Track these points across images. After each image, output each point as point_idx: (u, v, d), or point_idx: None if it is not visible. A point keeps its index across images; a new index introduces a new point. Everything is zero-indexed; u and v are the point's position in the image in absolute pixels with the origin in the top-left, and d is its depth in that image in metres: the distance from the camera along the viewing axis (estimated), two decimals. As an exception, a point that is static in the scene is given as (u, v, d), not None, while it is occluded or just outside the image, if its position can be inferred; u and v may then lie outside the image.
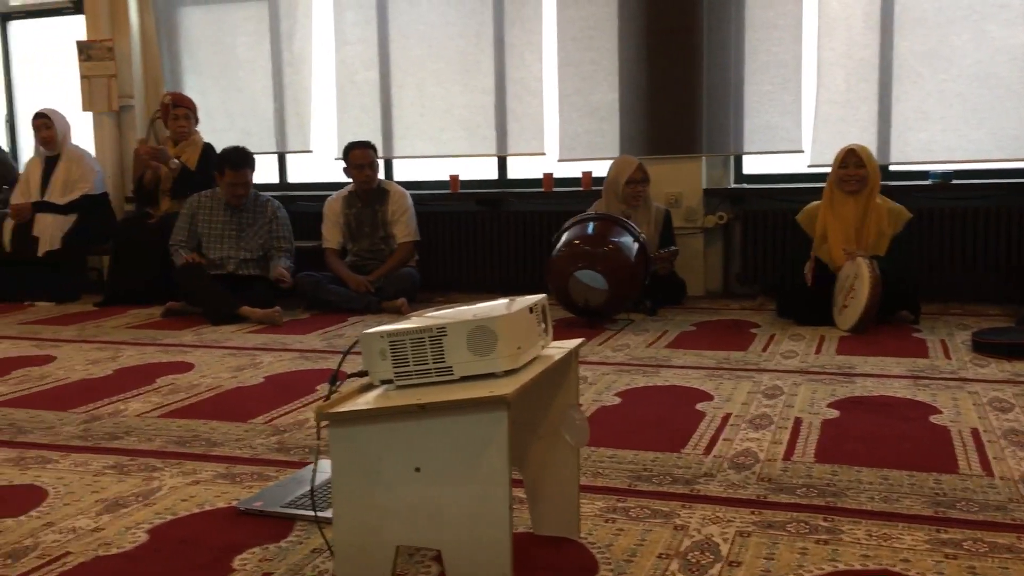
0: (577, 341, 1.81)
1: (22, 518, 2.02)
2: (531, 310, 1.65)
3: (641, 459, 2.34)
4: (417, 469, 1.48)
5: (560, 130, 5.29)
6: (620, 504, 2.03)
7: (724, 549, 1.78)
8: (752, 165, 5.27)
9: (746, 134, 5.02)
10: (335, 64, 5.68)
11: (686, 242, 5.00)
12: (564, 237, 4.35)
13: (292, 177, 6.06)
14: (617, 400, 2.96)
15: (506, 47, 5.36)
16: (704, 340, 3.91)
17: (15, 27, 6.46)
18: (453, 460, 1.46)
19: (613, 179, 4.66)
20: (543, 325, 1.71)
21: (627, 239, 4.26)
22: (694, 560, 1.74)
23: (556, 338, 1.76)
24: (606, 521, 1.93)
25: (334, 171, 5.72)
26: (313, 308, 4.89)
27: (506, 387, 1.46)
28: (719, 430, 2.59)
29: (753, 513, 1.96)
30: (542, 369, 1.59)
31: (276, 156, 5.96)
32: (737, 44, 4.98)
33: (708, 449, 2.42)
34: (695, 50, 4.97)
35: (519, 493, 1.85)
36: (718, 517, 1.94)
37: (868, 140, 4.66)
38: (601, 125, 5.20)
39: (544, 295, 1.74)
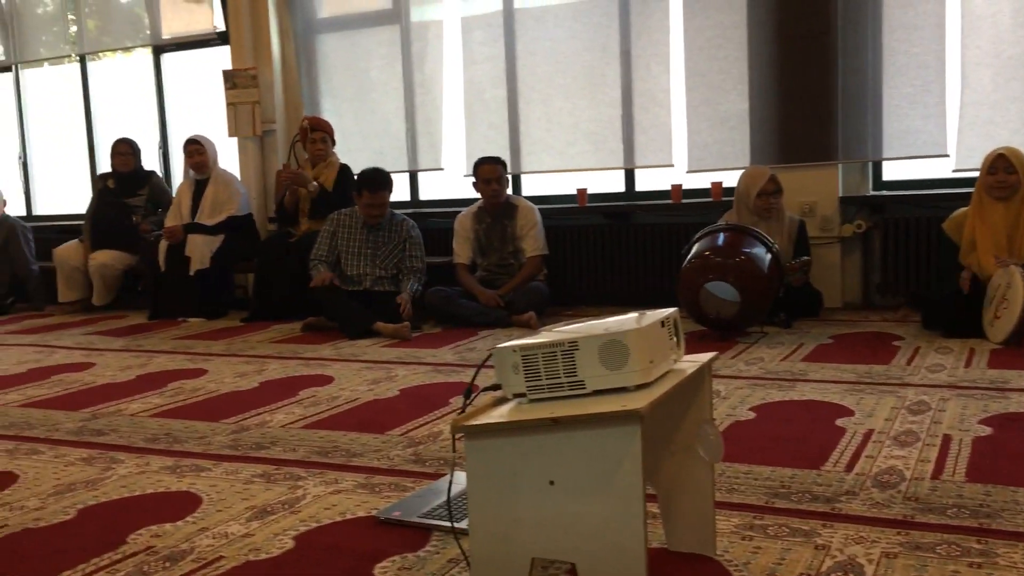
0: (710, 355, 1.79)
1: (179, 523, 2.15)
2: (663, 323, 1.64)
3: (778, 476, 2.29)
4: (551, 482, 1.49)
5: (688, 141, 5.23)
6: (757, 521, 1.99)
7: (869, 570, 1.72)
8: (892, 171, 5.07)
9: (885, 139, 4.83)
10: (463, 83, 5.79)
11: (822, 252, 4.85)
12: (694, 249, 4.30)
13: (424, 194, 6.21)
14: (751, 415, 2.89)
15: (632, 59, 5.34)
16: (843, 353, 3.78)
17: (167, 59, 6.87)
18: (587, 474, 1.47)
19: (743, 191, 4.57)
20: (675, 339, 1.69)
21: (759, 250, 4.17)
22: (836, 581, 1.68)
23: (688, 352, 1.75)
24: (743, 539, 1.90)
25: (464, 188, 5.83)
26: (445, 323, 4.99)
27: (639, 401, 1.45)
28: (861, 447, 2.50)
29: (900, 534, 1.89)
30: (675, 383, 1.58)
31: (408, 174, 6.13)
32: (874, 46, 4.81)
33: (850, 466, 2.34)
34: (829, 54, 4.83)
35: (652, 508, 1.84)
36: (862, 537, 1.88)
37: (1019, 142, 4.41)
38: (731, 135, 5.12)
39: (675, 308, 1.73)
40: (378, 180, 5.00)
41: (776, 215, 4.55)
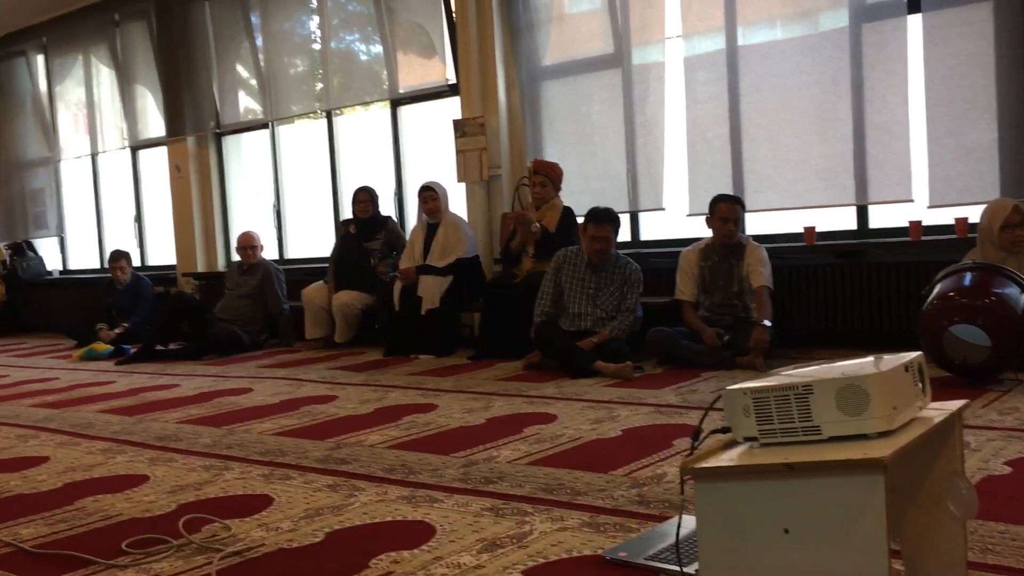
0: (960, 402, 1.67)
1: (416, 551, 2.25)
2: (906, 368, 1.56)
3: (1040, 537, 2.09)
4: (786, 531, 1.44)
5: (930, 174, 4.93)
6: (1016, 586, 1.82)
7: None
8: None
9: None
10: (686, 123, 5.77)
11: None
12: (937, 289, 4.02)
13: (645, 235, 6.22)
14: (1007, 469, 2.66)
15: (865, 91, 5.12)
16: (1115, 405, 3.39)
17: (403, 111, 7.33)
18: (825, 524, 1.41)
19: (987, 224, 4.24)
20: (920, 384, 1.60)
21: (1012, 290, 3.84)
22: (1115, 659, 1.51)
23: (933, 399, 1.64)
24: (1000, 604, 1.74)
25: (686, 227, 5.79)
26: (666, 363, 4.95)
27: (882, 449, 1.38)
28: None
29: None
30: (921, 432, 1.49)
31: (629, 215, 6.16)
32: None
33: None
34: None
35: (897, 565, 1.73)
36: None
37: None
38: (978, 167, 4.78)
39: (919, 352, 1.63)
40: (604, 214, 5.09)
41: (1026, 249, 4.18)
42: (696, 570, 1.56)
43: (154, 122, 8.90)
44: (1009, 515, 2.24)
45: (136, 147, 9.27)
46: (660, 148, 5.91)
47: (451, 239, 6.20)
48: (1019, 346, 3.82)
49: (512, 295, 5.59)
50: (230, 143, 8.64)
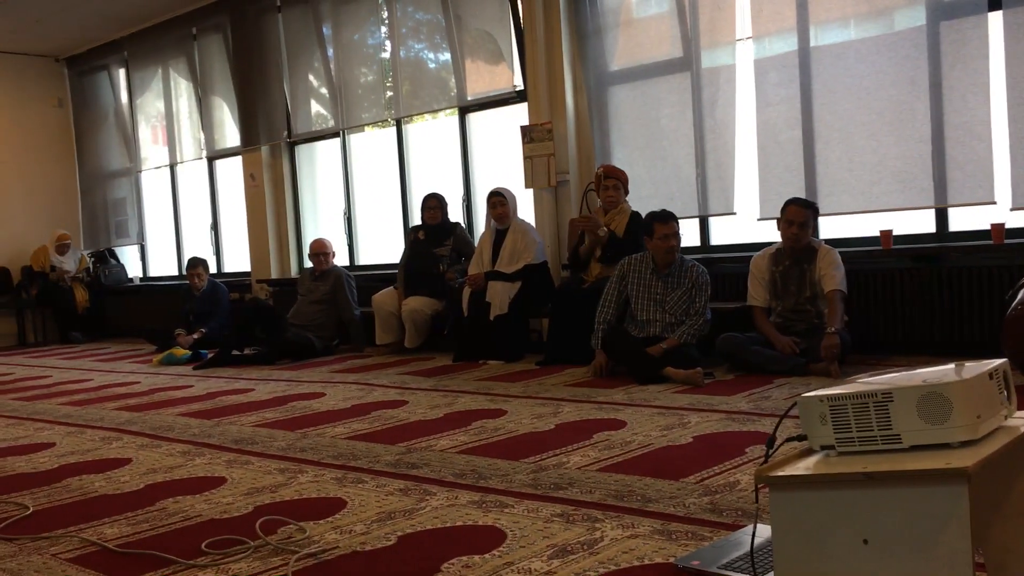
0: (1048, 411, 1.62)
1: (487, 555, 2.26)
2: (991, 376, 1.51)
3: None
4: (865, 541, 1.41)
5: (1012, 175, 4.78)
6: (1110, 603, 1.75)
7: None
8: None
9: None
10: (756, 126, 5.70)
11: None
12: (1021, 294, 3.90)
13: (715, 239, 6.15)
14: (1098, 481, 2.55)
15: (944, 91, 4.99)
16: None
17: (471, 118, 7.38)
18: (906, 535, 1.38)
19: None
20: (1005, 392, 1.55)
21: (1103, 294, 3.70)
22: None
23: (1019, 408, 1.59)
24: (1092, 621, 1.68)
25: (757, 232, 5.71)
26: (737, 369, 4.88)
27: (966, 459, 1.34)
28: None
29: None
30: (1007, 441, 1.45)
31: (699, 219, 6.10)
32: None
33: None
34: None
35: (981, 578, 1.68)
36: None
37: None
38: (1063, 167, 4.62)
39: (1004, 360, 1.59)
40: (666, 213, 5.08)
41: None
42: (771, 580, 1.54)
43: (230, 132, 9.13)
44: (1101, 529, 2.15)
45: (212, 157, 9.52)
46: (730, 152, 5.83)
47: (519, 245, 6.22)
48: (1110, 353, 3.67)
49: (580, 300, 5.57)
50: (302, 152, 8.81)
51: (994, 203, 4.89)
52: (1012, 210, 4.81)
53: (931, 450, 1.42)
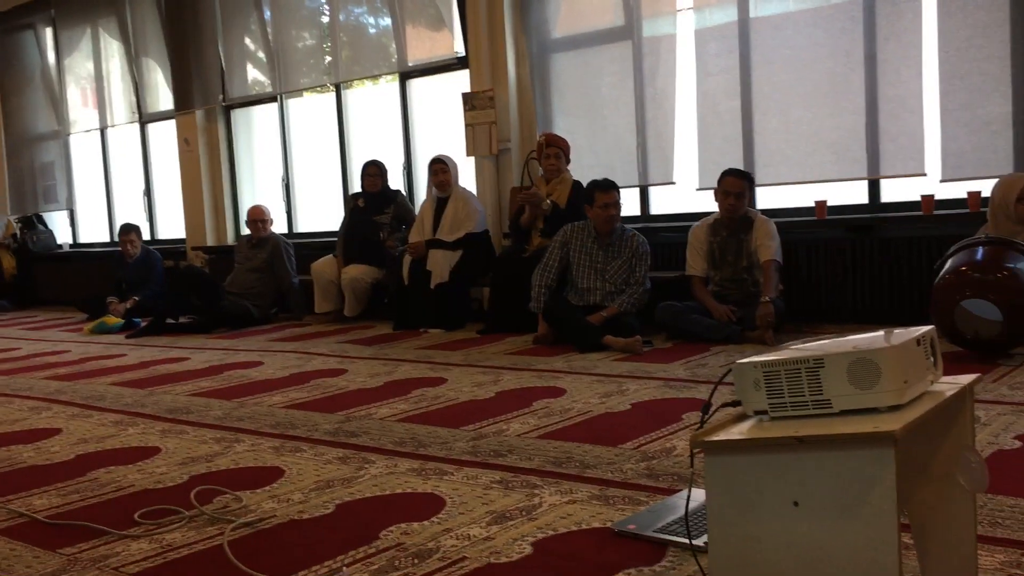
0: (971, 377, 1.67)
1: (426, 523, 2.27)
2: (918, 342, 1.55)
3: (1050, 512, 2.09)
4: (796, 504, 1.44)
5: (943, 148, 4.89)
6: (1026, 560, 1.83)
7: None
8: None
9: None
10: (696, 96, 5.73)
11: (1101, 267, 4.36)
12: (949, 264, 4.01)
13: (655, 209, 6.20)
14: (1017, 444, 2.65)
15: (879, 64, 5.07)
16: None
17: (412, 84, 7.29)
18: (834, 497, 1.41)
19: (1001, 198, 4.21)
20: (932, 359, 1.59)
21: (1025, 264, 3.82)
22: (1124, 633, 1.51)
23: (945, 373, 1.64)
24: (1009, 577, 1.75)
25: (697, 201, 5.76)
26: (675, 337, 4.95)
27: (893, 423, 1.38)
28: None
29: None
30: (932, 406, 1.49)
31: (639, 189, 6.13)
32: None
33: None
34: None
35: (907, 539, 1.73)
36: None
37: None
38: (992, 140, 4.74)
39: (931, 327, 1.63)
40: (607, 182, 5.12)
41: (1042, 225, 4.15)
42: (705, 542, 1.57)
43: (163, 95, 8.89)
44: (1019, 489, 2.24)
45: (145, 121, 9.26)
46: (670, 122, 5.87)
47: (461, 213, 6.19)
48: (1031, 321, 3.80)
49: (521, 270, 5.57)
50: (239, 116, 8.62)
51: (924, 175, 5.00)
52: (942, 182, 4.93)
53: (860, 415, 1.45)
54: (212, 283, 7.03)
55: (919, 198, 4.97)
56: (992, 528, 2.00)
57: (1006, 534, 1.96)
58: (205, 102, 8.44)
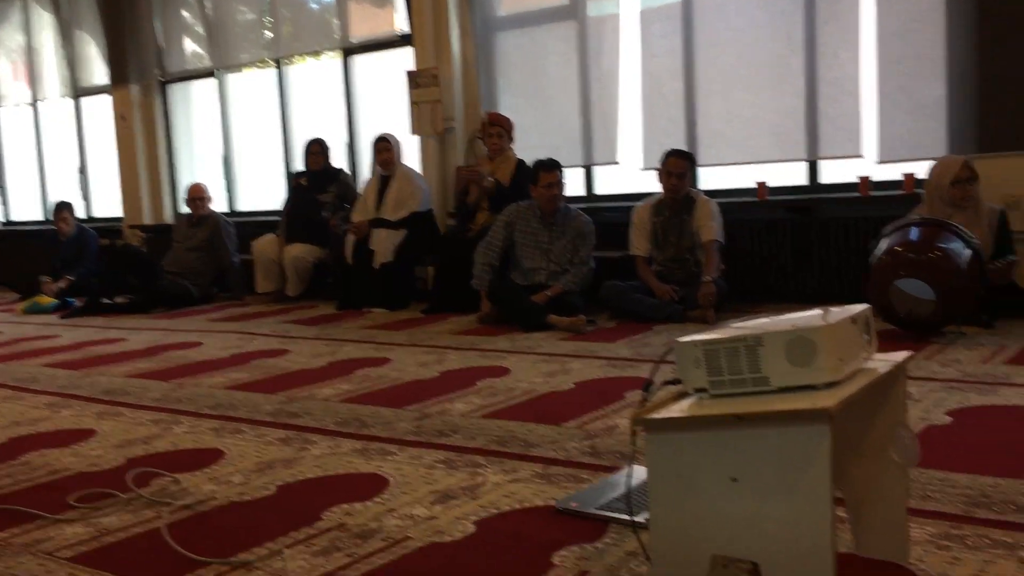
0: (904, 354, 1.71)
1: (368, 503, 2.26)
2: (854, 320, 1.58)
3: (978, 484, 2.15)
4: (734, 479, 1.47)
5: (880, 130, 4.99)
6: (954, 531, 1.88)
7: (1083, 591, 1.59)
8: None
9: (1104, 124, 4.44)
10: (641, 77, 5.75)
11: (1028, 248, 4.50)
12: (884, 244, 4.09)
13: (599, 189, 6.22)
14: (948, 419, 2.73)
15: (818, 47, 5.14)
16: (1052, 357, 3.50)
17: (356, 61, 7.19)
18: (772, 473, 1.43)
19: (935, 181, 4.30)
20: (867, 337, 1.63)
21: (956, 244, 3.92)
22: (1045, 600, 1.57)
23: (879, 351, 1.67)
24: (939, 548, 1.80)
25: (641, 182, 5.80)
26: (618, 316, 4.98)
27: (828, 400, 1.40)
28: (1073, 458, 2.31)
29: (1119, 553, 1.74)
30: (866, 382, 1.52)
31: (583, 169, 6.15)
32: (1092, 24, 4.42)
33: (1060, 478, 2.17)
34: (1039, 34, 4.47)
35: (841, 512, 1.77)
36: (1075, 554, 1.74)
37: None
38: (927, 123, 4.84)
39: (867, 305, 1.66)
40: (551, 162, 5.13)
41: (973, 205, 4.25)
42: (646, 519, 1.58)
43: (97, 70, 8.65)
44: (949, 463, 2.30)
45: (79, 95, 9.00)
46: (615, 102, 5.88)
47: (405, 192, 6.14)
48: (962, 300, 3.91)
49: (466, 249, 5.55)
50: (176, 92, 8.42)
51: (861, 157, 5.09)
52: (878, 163, 5.03)
53: (797, 392, 1.48)
54: (149, 262, 6.89)
55: (856, 179, 5.06)
56: (923, 501, 2.05)
57: (936, 507, 2.02)
58: (141, 77, 8.23)
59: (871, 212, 4.94)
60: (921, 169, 4.72)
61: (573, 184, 5.87)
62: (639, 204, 5.24)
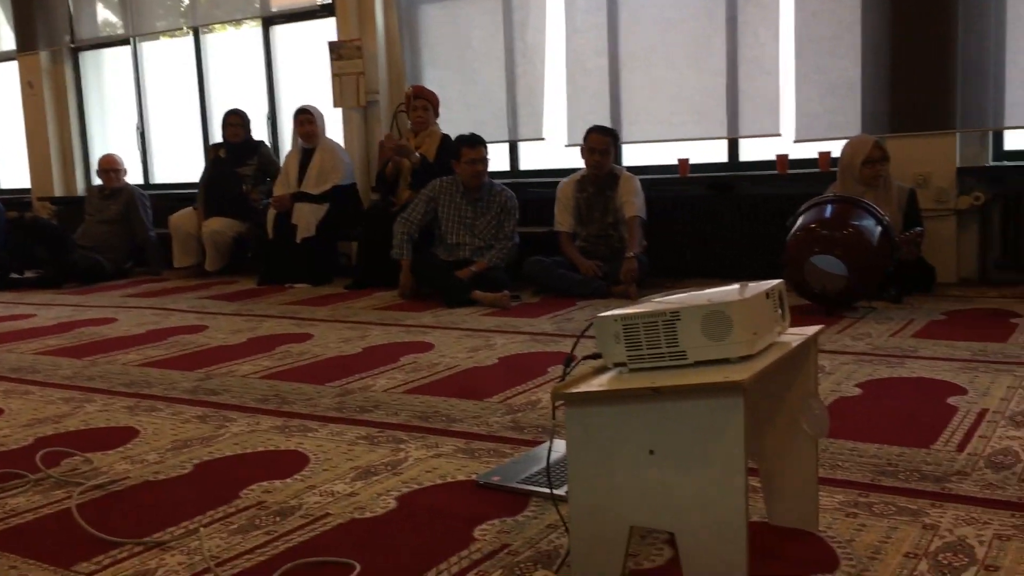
0: (816, 328, 1.75)
1: (288, 480, 2.23)
2: (768, 295, 1.61)
3: (885, 453, 2.23)
4: (651, 452, 1.49)
5: (797, 110, 5.09)
6: (862, 499, 1.95)
7: (980, 552, 1.67)
8: (1015, 141, 4.83)
9: (1008, 107, 4.61)
10: (566, 52, 5.75)
11: (937, 225, 4.67)
12: (800, 221, 4.19)
13: (524, 164, 6.22)
14: (857, 391, 2.82)
15: (739, 26, 5.21)
16: (956, 330, 3.64)
17: (276, 31, 7.03)
18: (687, 445, 1.46)
19: (848, 160, 4.42)
20: (780, 311, 1.66)
21: (869, 222, 4.04)
22: (945, 561, 1.64)
23: (792, 325, 1.71)
24: (847, 516, 1.86)
25: (565, 158, 5.82)
26: (542, 292, 5.01)
27: (742, 373, 1.43)
28: (974, 426, 2.41)
29: (1014, 516, 1.82)
30: (779, 356, 1.56)
31: (508, 144, 6.14)
32: (998, 9, 4.58)
33: (961, 446, 2.26)
34: (948, 18, 4.61)
35: (754, 482, 1.82)
36: (973, 518, 1.82)
37: None
38: (842, 103, 4.96)
39: (780, 280, 1.70)
40: (475, 137, 5.09)
41: (884, 184, 4.39)
42: (566, 492, 1.60)
43: (4, 35, 8.28)
44: (858, 434, 2.38)
45: (-17, 61, 8.62)
46: (540, 77, 5.88)
47: (327, 165, 6.05)
48: (874, 276, 4.03)
49: (390, 224, 5.50)
50: (88, 59, 8.11)
51: (779, 135, 5.20)
52: (795, 142, 5.14)
53: (713, 365, 1.51)
54: (60, 235, 6.65)
55: (775, 157, 5.16)
56: (832, 471, 2.12)
57: (845, 476, 2.09)
58: (50, 43, 7.91)
59: (789, 190, 5.04)
60: (836, 148, 4.83)
61: (498, 159, 5.85)
62: (563, 180, 5.26)
